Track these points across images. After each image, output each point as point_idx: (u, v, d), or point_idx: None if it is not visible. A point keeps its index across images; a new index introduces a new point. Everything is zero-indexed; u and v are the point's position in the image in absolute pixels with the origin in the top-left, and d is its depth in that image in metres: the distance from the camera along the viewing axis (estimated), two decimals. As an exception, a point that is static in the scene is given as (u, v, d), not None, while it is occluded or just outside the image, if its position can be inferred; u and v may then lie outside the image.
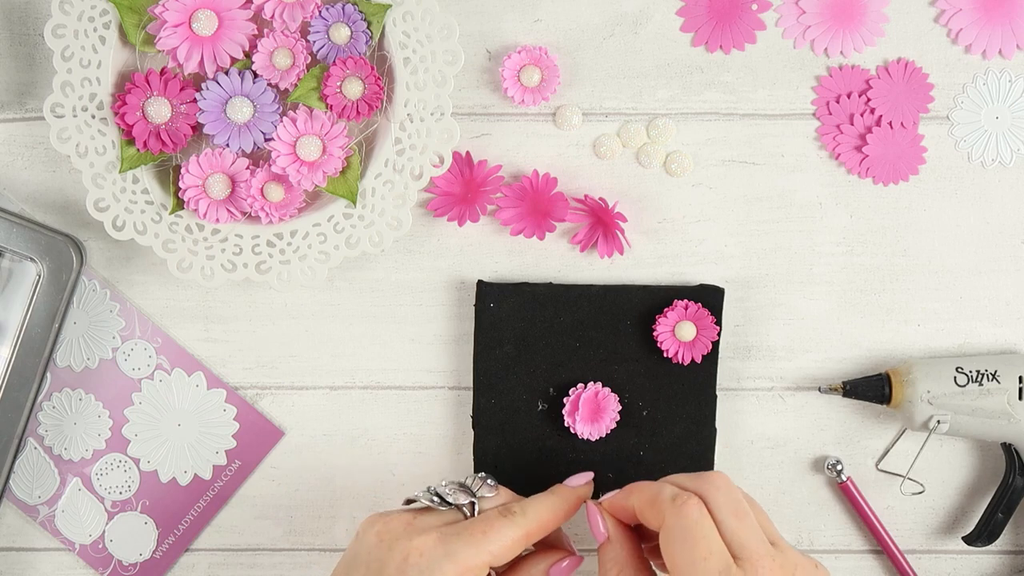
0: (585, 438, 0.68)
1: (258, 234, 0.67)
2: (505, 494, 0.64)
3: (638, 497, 0.61)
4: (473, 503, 0.62)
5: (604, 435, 0.69)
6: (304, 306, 0.71)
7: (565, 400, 0.68)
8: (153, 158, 0.66)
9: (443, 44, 0.66)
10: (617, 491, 0.63)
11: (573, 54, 0.70)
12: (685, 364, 0.68)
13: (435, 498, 0.62)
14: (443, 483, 0.63)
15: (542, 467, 0.68)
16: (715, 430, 0.69)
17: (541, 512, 0.62)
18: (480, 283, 0.69)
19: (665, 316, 0.68)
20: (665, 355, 0.68)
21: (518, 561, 0.64)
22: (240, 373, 0.71)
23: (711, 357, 0.69)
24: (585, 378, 0.69)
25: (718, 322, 0.68)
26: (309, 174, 0.66)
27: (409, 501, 0.63)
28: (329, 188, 0.67)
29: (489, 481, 0.63)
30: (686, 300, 0.68)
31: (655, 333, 0.68)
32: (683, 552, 0.57)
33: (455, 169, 0.69)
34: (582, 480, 0.65)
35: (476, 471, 0.69)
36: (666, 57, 0.70)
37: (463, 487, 0.63)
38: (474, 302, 0.69)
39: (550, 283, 0.69)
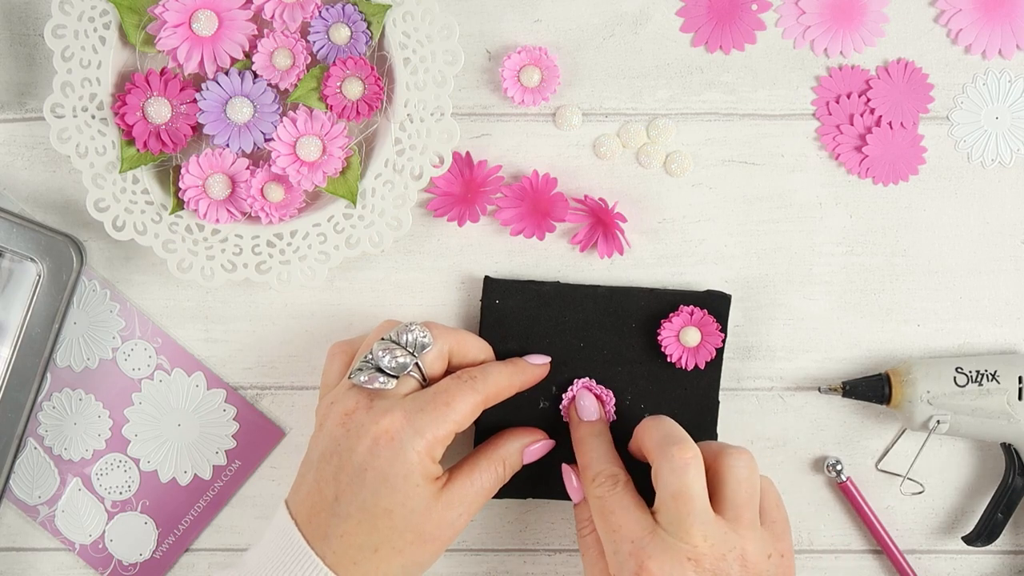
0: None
1: (258, 234, 0.67)
2: (440, 336, 0.63)
3: (648, 438, 0.63)
4: (418, 364, 0.62)
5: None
6: (304, 306, 0.71)
7: (563, 396, 0.68)
8: (153, 158, 0.67)
9: (443, 44, 0.66)
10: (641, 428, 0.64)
11: (573, 54, 0.70)
12: (688, 369, 0.68)
13: (381, 376, 0.61)
14: (379, 351, 0.62)
15: (541, 465, 0.68)
16: (716, 436, 0.69)
17: (499, 379, 0.64)
18: (487, 279, 0.69)
19: (670, 321, 0.68)
20: (669, 359, 0.68)
21: (494, 439, 0.66)
22: (240, 373, 0.71)
23: (715, 364, 0.68)
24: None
25: (723, 329, 0.68)
26: (309, 174, 0.66)
27: (358, 369, 0.62)
28: (329, 188, 0.67)
29: (421, 335, 0.63)
30: (692, 306, 0.68)
31: (659, 337, 0.68)
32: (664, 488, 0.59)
33: (455, 169, 0.69)
34: (540, 360, 0.67)
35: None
36: (666, 57, 0.70)
37: (400, 346, 0.62)
38: (480, 297, 0.69)
39: (557, 282, 0.69)
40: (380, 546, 0.60)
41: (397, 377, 0.62)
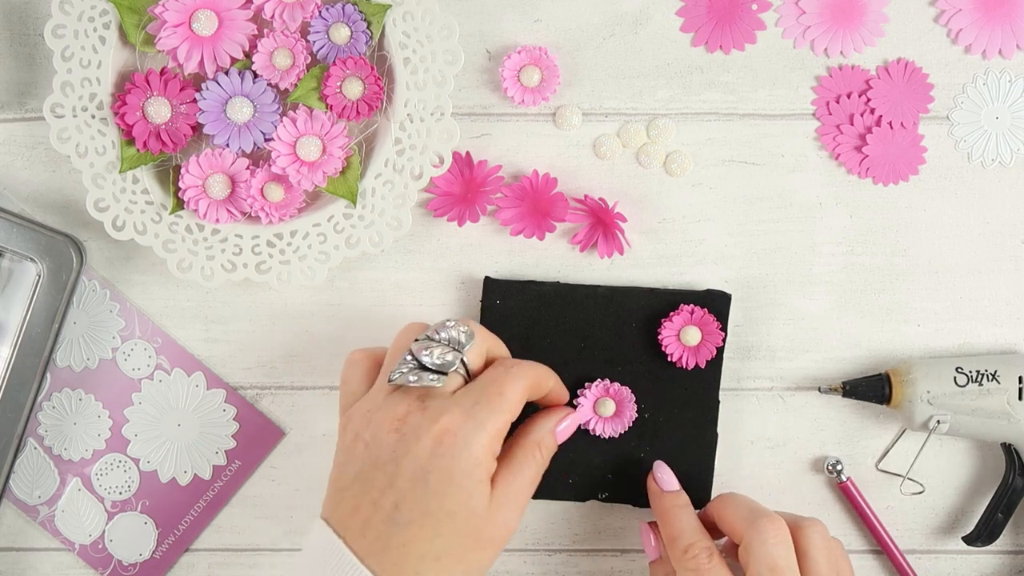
0: (607, 436, 0.68)
1: (258, 234, 0.67)
2: (479, 331, 0.62)
3: (731, 512, 0.64)
4: (463, 360, 0.61)
5: (624, 432, 0.68)
6: (304, 306, 0.71)
7: (581, 398, 0.68)
8: (153, 158, 0.67)
9: (443, 44, 0.66)
10: (711, 505, 0.67)
11: (573, 54, 0.70)
12: (689, 369, 0.68)
13: (430, 375, 0.60)
14: (421, 350, 0.60)
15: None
16: (716, 436, 0.69)
17: (537, 368, 0.62)
18: (487, 279, 0.69)
19: (671, 320, 0.68)
20: (669, 359, 0.68)
21: (522, 428, 0.64)
22: (240, 373, 0.71)
23: (715, 363, 0.68)
24: (590, 378, 0.69)
25: (724, 328, 0.68)
26: (309, 174, 0.66)
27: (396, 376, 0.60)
28: (329, 188, 0.67)
29: (462, 331, 0.61)
30: (692, 305, 0.68)
31: (660, 337, 0.68)
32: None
33: (455, 169, 0.69)
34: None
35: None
36: (666, 57, 0.70)
37: (440, 344, 0.61)
38: (480, 298, 0.69)
39: (557, 282, 0.69)
40: (442, 554, 0.58)
41: (445, 374, 0.60)
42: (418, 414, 0.59)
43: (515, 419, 0.61)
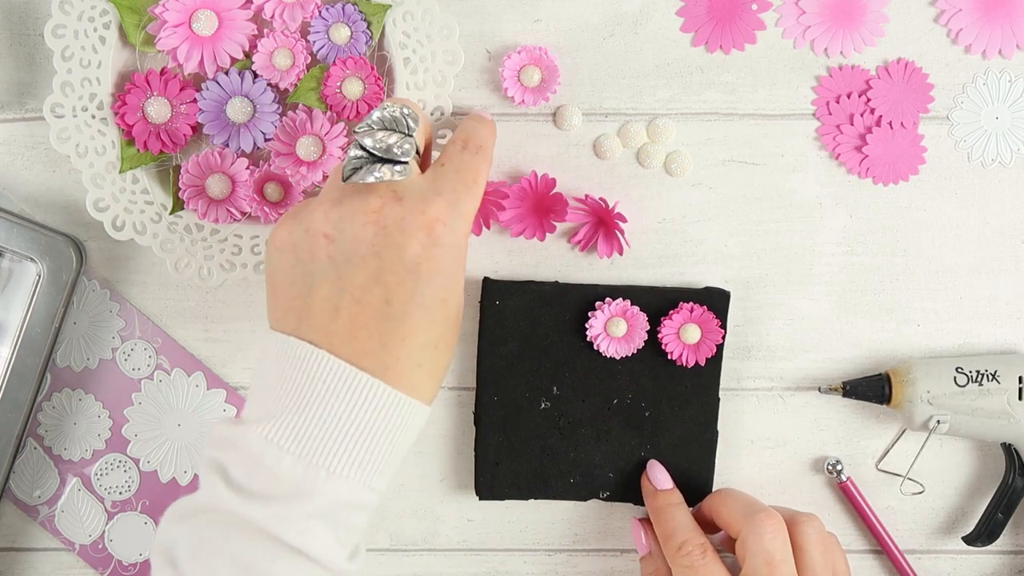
0: (609, 356, 0.68)
1: (257, 234, 0.67)
2: (417, 108, 0.59)
3: (728, 507, 0.65)
4: (414, 142, 0.58)
5: (631, 354, 0.68)
6: (304, 306, 0.71)
7: (591, 315, 0.68)
8: (153, 158, 0.67)
9: (443, 44, 0.66)
10: (706, 502, 0.68)
11: (573, 54, 0.70)
12: (688, 367, 0.68)
13: (386, 167, 0.56)
14: (368, 141, 0.57)
15: (543, 465, 0.69)
16: (717, 433, 0.69)
17: (489, 139, 0.62)
18: (486, 280, 0.69)
19: (670, 318, 0.68)
20: (669, 357, 0.68)
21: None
22: (240, 373, 0.71)
23: (715, 361, 0.68)
24: (589, 379, 0.69)
25: (723, 326, 0.68)
26: (308, 174, 0.66)
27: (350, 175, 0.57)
28: (329, 188, 0.67)
29: (405, 110, 0.58)
30: (692, 303, 0.68)
31: (660, 335, 0.68)
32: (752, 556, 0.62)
33: (455, 169, 0.69)
34: (486, 114, 0.66)
35: (478, 468, 0.69)
36: (666, 57, 0.70)
37: (388, 131, 0.57)
38: (479, 299, 0.69)
39: (556, 282, 0.69)
40: (439, 341, 0.56)
41: (405, 163, 0.57)
42: (395, 205, 0.56)
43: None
